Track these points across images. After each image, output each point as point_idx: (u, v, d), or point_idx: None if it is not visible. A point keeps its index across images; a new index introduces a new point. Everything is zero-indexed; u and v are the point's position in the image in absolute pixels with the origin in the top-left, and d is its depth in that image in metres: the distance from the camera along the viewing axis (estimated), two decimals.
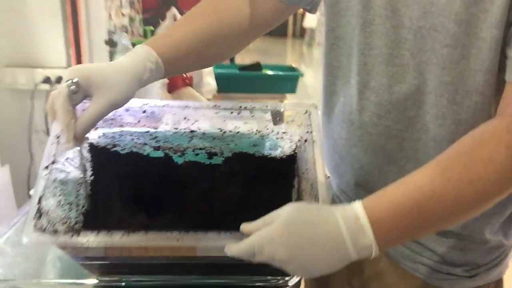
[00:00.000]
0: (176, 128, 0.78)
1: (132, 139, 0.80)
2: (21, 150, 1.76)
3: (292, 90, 2.38)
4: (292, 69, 2.55)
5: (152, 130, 0.78)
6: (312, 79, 7.32)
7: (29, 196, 1.70)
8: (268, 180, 0.83)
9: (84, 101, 0.66)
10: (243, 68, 2.51)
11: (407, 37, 0.65)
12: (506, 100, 0.58)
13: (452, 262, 0.72)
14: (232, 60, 2.91)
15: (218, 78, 2.27)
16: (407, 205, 0.53)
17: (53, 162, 0.65)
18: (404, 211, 0.53)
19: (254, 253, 0.55)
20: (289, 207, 0.56)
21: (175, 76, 2.06)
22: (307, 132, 0.73)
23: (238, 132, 0.78)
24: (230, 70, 2.47)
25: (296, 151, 0.82)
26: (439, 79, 0.63)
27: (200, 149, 0.82)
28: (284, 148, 0.82)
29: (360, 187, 0.77)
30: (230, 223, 0.79)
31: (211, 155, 0.83)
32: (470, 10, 0.58)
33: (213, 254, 0.65)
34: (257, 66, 2.50)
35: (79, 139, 0.64)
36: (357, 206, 0.54)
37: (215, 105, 0.73)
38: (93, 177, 0.80)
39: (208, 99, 2.21)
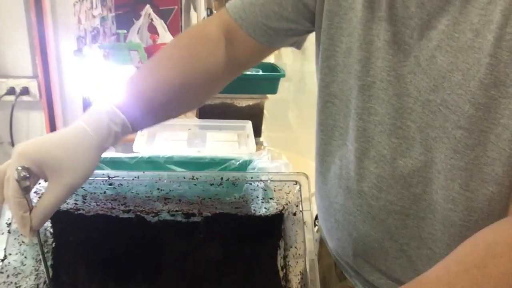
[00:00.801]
0: (148, 197, 0.69)
1: (98, 205, 0.71)
2: None
3: (274, 91, 2.29)
4: (273, 68, 2.45)
5: (121, 197, 0.69)
6: (291, 60, 7.23)
7: None
8: (252, 240, 0.76)
9: None
10: None
11: (414, 107, 0.57)
12: None
13: None
14: None
15: None
16: None
17: (4, 258, 0.56)
18: None
19: None
20: None
21: None
22: (297, 206, 0.66)
23: (218, 199, 0.70)
24: None
25: (283, 212, 0.74)
26: (450, 162, 0.55)
27: (177, 211, 0.74)
28: (269, 209, 0.74)
29: (359, 257, 0.71)
30: None
31: (188, 216, 0.75)
32: (489, 92, 0.50)
33: None
34: None
35: (36, 230, 0.55)
36: None
37: (193, 177, 0.65)
38: (54, 245, 0.71)
39: None
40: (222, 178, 0.65)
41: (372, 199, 0.64)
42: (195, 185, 0.64)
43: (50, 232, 0.71)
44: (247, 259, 0.76)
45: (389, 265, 0.68)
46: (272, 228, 0.76)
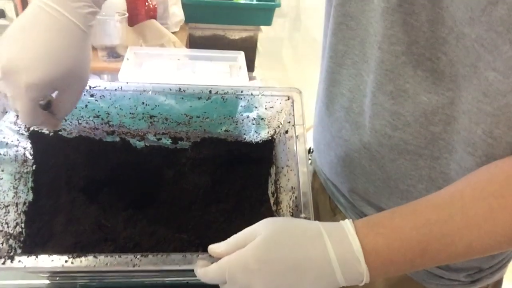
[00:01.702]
0: (133, 113, 0.64)
1: (80, 123, 0.67)
2: None
3: (268, 22, 2.20)
4: None
5: (103, 113, 0.65)
6: None
7: None
8: (242, 167, 0.73)
9: None
10: None
11: (447, 38, 0.50)
12: None
13: (455, 268, 0.64)
14: None
15: (186, 6, 2.07)
16: (412, 242, 0.44)
17: None
18: (406, 248, 0.44)
19: (225, 280, 0.46)
20: (266, 224, 0.46)
21: (137, 6, 1.86)
22: (289, 122, 0.62)
23: (207, 118, 0.66)
24: None
25: (274, 137, 0.70)
26: (477, 104, 0.49)
27: (163, 133, 0.70)
28: (260, 133, 0.70)
29: (357, 195, 0.67)
30: (198, 221, 0.70)
31: (175, 140, 0.71)
32: None
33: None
34: None
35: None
36: (350, 230, 0.45)
37: (180, 89, 0.60)
38: (34, 167, 0.67)
39: (174, 33, 2.02)
40: (210, 91, 0.60)
41: (383, 137, 0.59)
42: (182, 98, 0.60)
43: (30, 153, 0.67)
44: (237, 186, 0.73)
45: (391, 204, 0.64)
46: (263, 155, 0.73)
